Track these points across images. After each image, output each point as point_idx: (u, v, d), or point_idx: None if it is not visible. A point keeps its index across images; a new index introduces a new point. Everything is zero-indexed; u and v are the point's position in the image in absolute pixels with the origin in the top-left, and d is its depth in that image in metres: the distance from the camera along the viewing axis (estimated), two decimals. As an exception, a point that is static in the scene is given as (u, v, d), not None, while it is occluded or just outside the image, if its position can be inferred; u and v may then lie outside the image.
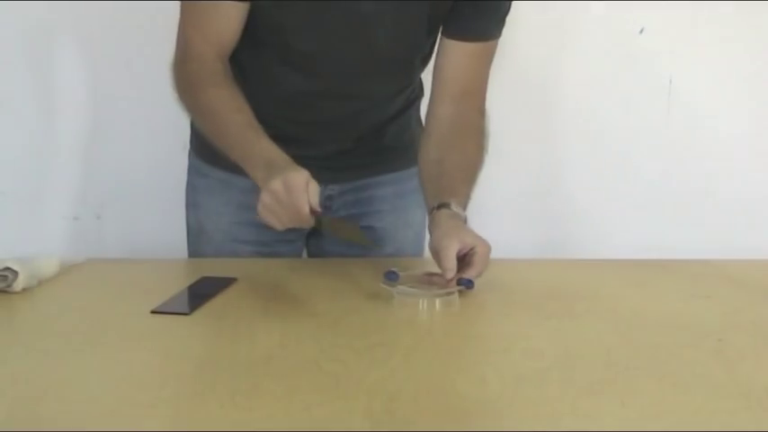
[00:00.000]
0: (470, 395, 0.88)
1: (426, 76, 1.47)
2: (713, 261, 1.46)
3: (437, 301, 1.17)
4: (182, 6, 1.34)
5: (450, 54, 1.39)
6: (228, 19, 1.32)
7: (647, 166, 2.09)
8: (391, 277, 1.21)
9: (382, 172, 1.55)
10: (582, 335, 1.08)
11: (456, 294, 1.18)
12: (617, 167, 2.10)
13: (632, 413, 0.84)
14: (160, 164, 1.91)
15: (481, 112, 1.43)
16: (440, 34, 1.40)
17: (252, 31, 1.34)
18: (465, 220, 1.29)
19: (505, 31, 1.40)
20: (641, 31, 2.03)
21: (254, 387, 0.89)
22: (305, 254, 1.61)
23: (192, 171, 1.56)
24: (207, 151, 1.50)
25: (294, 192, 1.14)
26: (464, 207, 1.31)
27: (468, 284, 1.18)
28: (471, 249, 1.21)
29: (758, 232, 2.08)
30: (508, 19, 1.39)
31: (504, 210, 1.99)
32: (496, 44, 1.41)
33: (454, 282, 1.19)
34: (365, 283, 1.22)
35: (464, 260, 1.21)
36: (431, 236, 1.27)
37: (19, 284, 1.18)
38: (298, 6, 1.30)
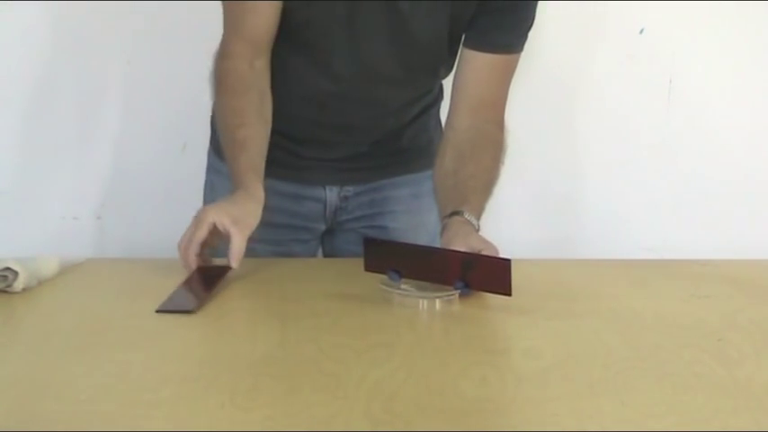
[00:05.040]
0: (470, 395, 0.88)
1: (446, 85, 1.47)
2: (713, 261, 1.46)
3: (437, 301, 1.17)
4: (223, 6, 1.36)
5: (471, 65, 1.39)
6: (263, 17, 1.32)
7: (647, 166, 2.09)
8: (394, 278, 1.21)
9: (398, 173, 1.54)
10: (582, 335, 1.08)
11: (456, 294, 1.18)
12: (616, 167, 2.10)
13: (632, 413, 0.84)
14: (160, 164, 1.91)
15: (499, 125, 1.42)
16: (461, 46, 1.39)
17: (279, 29, 1.33)
18: (477, 229, 1.28)
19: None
20: (641, 32, 2.02)
21: (254, 387, 0.89)
22: (320, 253, 1.60)
23: (211, 169, 1.56)
24: None
25: (199, 224, 1.23)
26: (477, 217, 1.30)
27: (464, 289, 1.18)
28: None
29: (758, 232, 2.08)
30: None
31: (504, 210, 1.98)
32: (518, 59, 1.41)
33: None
34: (366, 282, 1.21)
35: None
36: (440, 240, 1.27)
37: (19, 284, 1.18)
38: (328, 5, 1.29)
